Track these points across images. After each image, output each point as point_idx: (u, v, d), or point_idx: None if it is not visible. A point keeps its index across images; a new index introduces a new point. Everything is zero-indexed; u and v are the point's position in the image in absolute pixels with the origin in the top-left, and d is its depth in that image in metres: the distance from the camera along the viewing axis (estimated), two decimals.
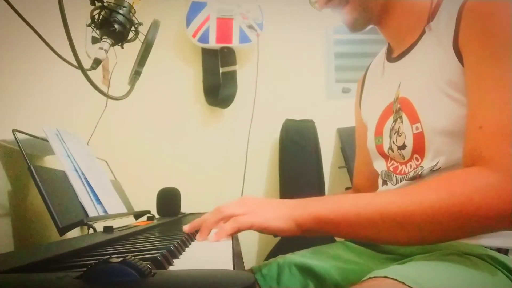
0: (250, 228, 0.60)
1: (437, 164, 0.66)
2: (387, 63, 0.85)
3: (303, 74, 2.00)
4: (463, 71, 0.62)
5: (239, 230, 0.60)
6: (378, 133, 0.82)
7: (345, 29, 0.80)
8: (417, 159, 0.71)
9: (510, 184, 0.51)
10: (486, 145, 0.55)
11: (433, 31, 0.70)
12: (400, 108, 0.74)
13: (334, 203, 0.60)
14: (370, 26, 0.81)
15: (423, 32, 0.72)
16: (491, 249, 0.61)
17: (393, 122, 0.77)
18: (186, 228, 0.68)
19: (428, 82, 0.68)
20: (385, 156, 0.81)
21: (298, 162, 1.81)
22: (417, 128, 0.69)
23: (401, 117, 0.74)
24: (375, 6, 0.76)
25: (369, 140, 0.86)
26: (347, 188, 1.81)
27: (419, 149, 0.70)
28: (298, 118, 1.89)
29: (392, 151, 0.77)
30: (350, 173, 1.79)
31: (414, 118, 0.70)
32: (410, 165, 0.73)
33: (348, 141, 1.87)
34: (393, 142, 0.76)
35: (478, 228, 0.54)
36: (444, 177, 0.56)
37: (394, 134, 0.76)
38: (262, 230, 0.60)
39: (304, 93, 1.99)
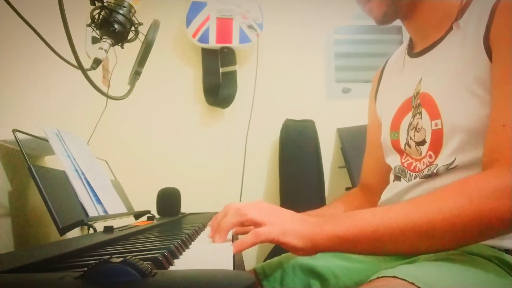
0: (269, 242, 0.57)
1: (453, 162, 0.66)
2: (408, 58, 0.84)
3: (303, 74, 2.00)
4: (490, 67, 0.62)
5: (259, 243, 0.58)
6: (394, 128, 0.81)
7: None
8: (430, 156, 0.70)
9: None
10: (507, 144, 0.55)
11: (461, 29, 0.69)
12: (420, 104, 0.73)
13: (349, 220, 0.57)
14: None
15: (450, 29, 0.72)
16: (499, 250, 0.61)
17: (412, 117, 0.75)
18: (211, 235, 0.64)
19: (452, 79, 0.67)
20: (400, 152, 0.80)
21: (298, 162, 1.81)
22: (436, 125, 0.69)
23: (420, 113, 0.73)
24: (404, 0, 0.75)
25: (383, 135, 0.85)
26: (347, 188, 1.81)
27: (435, 146, 0.69)
28: (298, 118, 1.89)
29: (409, 146, 0.76)
30: (350, 173, 1.79)
31: (434, 114, 0.69)
32: (423, 162, 0.72)
33: (348, 141, 1.87)
34: (411, 138, 0.75)
35: (498, 230, 0.53)
36: (460, 182, 0.55)
37: (412, 129, 0.75)
38: (279, 244, 0.57)
39: (304, 93, 1.99)
